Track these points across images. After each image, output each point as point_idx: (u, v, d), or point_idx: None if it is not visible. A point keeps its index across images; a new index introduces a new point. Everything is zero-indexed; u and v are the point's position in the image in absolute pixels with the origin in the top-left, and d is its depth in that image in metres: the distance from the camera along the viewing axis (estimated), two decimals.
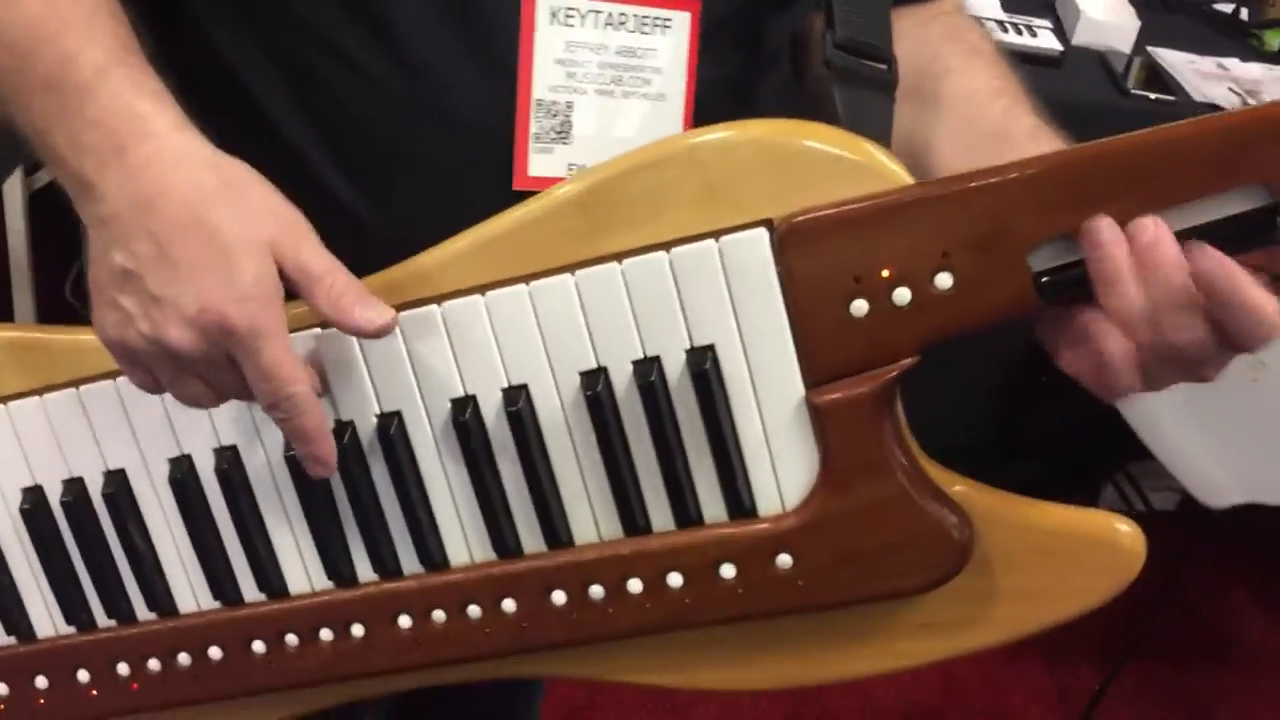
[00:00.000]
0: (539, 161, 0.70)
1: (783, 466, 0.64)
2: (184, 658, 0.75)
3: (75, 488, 0.73)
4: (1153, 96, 1.78)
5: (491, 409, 0.66)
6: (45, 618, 0.77)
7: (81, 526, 0.74)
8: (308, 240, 0.62)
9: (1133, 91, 1.78)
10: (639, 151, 0.64)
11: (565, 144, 0.70)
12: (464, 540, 0.69)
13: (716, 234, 0.62)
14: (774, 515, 0.65)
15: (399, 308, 0.64)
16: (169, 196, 0.60)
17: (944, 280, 0.60)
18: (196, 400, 0.64)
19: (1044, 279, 0.59)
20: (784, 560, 0.64)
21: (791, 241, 0.61)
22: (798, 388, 0.63)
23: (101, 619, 0.76)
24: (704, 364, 0.63)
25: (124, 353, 0.63)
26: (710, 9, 0.71)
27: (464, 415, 0.66)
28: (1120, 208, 0.57)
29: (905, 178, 0.61)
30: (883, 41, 0.70)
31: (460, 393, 0.67)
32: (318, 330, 0.66)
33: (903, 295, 0.60)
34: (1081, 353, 0.59)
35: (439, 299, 0.65)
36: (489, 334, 0.65)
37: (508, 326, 0.65)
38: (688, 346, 0.63)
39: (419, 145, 0.69)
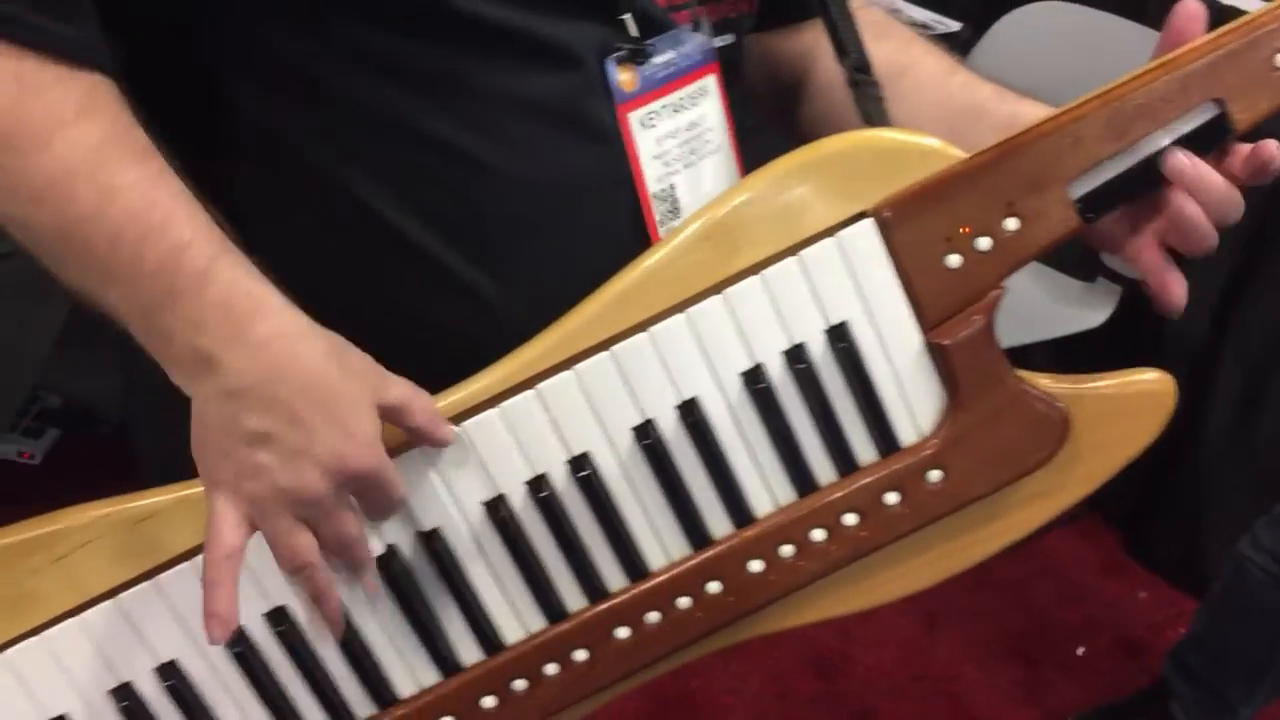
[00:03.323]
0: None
1: (915, 402, 0.79)
2: None
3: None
4: None
5: (669, 421, 0.77)
6: None
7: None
8: (388, 379, 0.72)
9: None
10: (743, 185, 0.77)
11: (676, 218, 0.83)
12: (660, 544, 0.80)
13: (830, 232, 0.76)
14: (917, 443, 0.80)
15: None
16: (296, 366, 0.69)
17: (1011, 224, 0.76)
18: (299, 553, 0.72)
19: (1080, 204, 0.77)
20: (935, 475, 0.79)
21: (892, 222, 0.76)
22: (917, 336, 0.78)
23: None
24: (844, 338, 0.77)
25: (250, 504, 0.71)
26: (723, 66, 0.85)
27: (647, 438, 0.77)
28: (1131, 137, 0.76)
29: (960, 154, 0.77)
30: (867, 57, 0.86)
31: (639, 419, 0.77)
32: None
33: (984, 243, 0.76)
34: (1149, 235, 0.79)
35: (611, 341, 0.76)
36: (658, 361, 0.76)
37: (671, 350, 0.76)
38: (825, 327, 0.77)
39: (550, 238, 0.79)
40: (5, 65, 0.66)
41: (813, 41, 0.97)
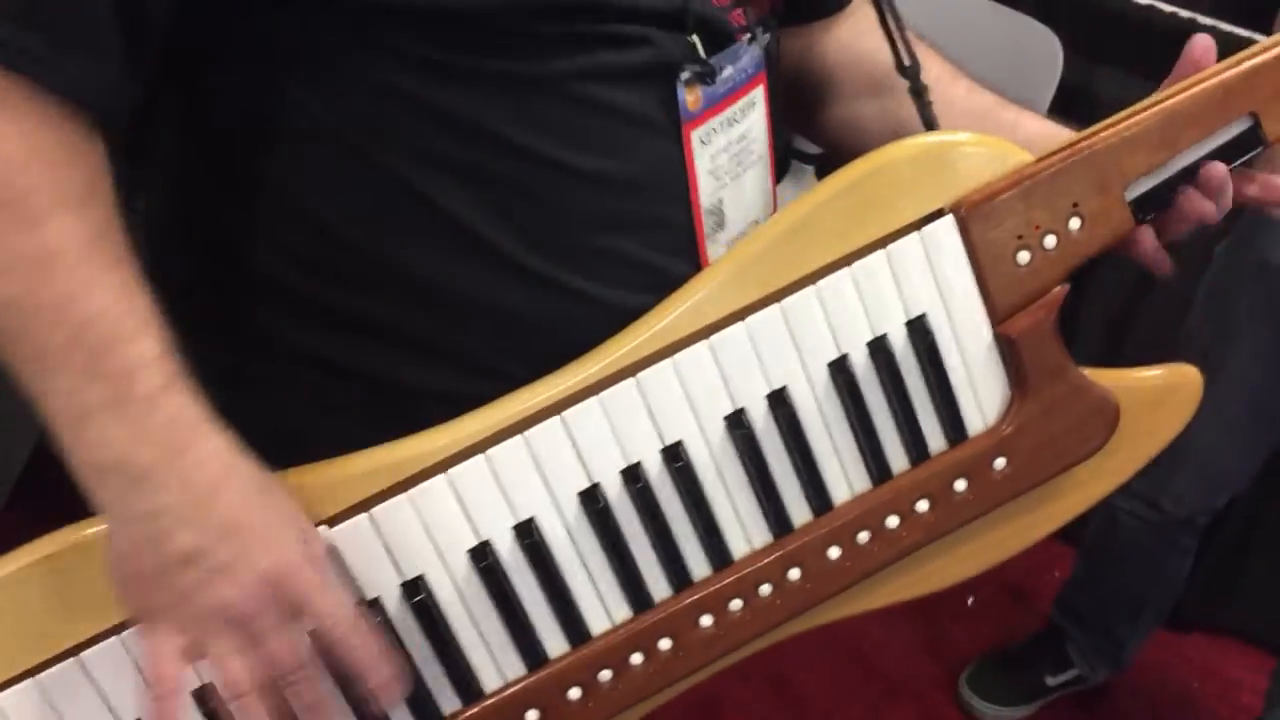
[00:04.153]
0: (711, 252, 0.83)
1: (982, 392, 0.83)
2: None
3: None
4: None
5: (760, 413, 0.79)
6: None
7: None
8: (308, 524, 0.73)
9: None
10: (827, 183, 0.80)
11: (723, 230, 0.84)
12: (743, 533, 0.81)
13: (914, 226, 0.80)
14: (984, 432, 0.83)
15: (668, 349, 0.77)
16: (230, 486, 0.70)
17: (1075, 224, 0.81)
18: (237, 680, 0.70)
19: (1133, 205, 0.83)
20: (1000, 463, 0.83)
21: (971, 219, 0.80)
22: (987, 328, 0.82)
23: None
24: (923, 330, 0.80)
25: (185, 630, 0.70)
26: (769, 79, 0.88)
27: (741, 425, 0.79)
28: (1180, 145, 0.82)
29: (1026, 156, 0.82)
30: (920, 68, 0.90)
31: (731, 408, 0.79)
32: None
33: (1050, 241, 0.81)
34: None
35: (705, 331, 0.78)
36: (752, 351, 0.78)
37: (764, 341, 0.79)
38: (906, 319, 0.81)
39: (628, 243, 0.80)
40: (21, 124, 0.64)
41: (820, 41, 0.99)
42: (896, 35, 0.88)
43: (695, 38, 0.79)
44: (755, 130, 0.87)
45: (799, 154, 2.06)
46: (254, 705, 0.70)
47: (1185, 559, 1.94)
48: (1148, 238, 0.86)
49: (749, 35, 0.85)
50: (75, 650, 0.73)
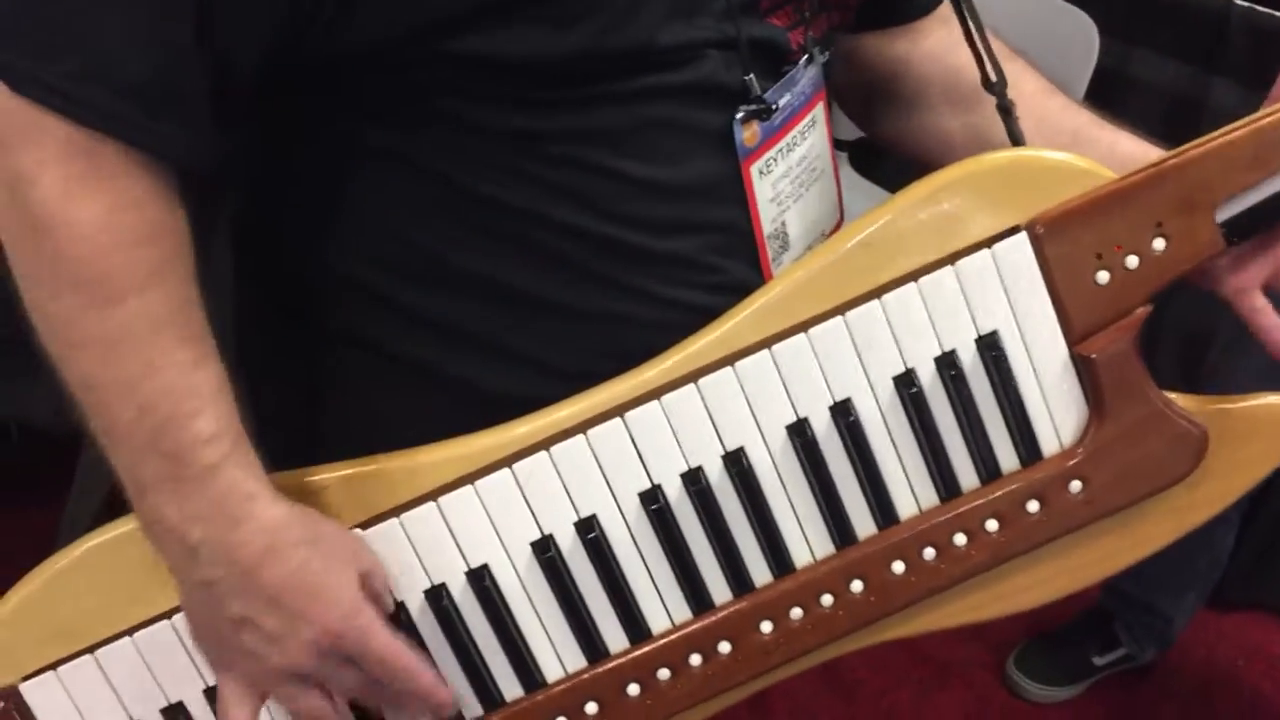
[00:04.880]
0: (776, 273, 0.85)
1: (1058, 413, 0.82)
2: None
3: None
4: None
5: (822, 423, 0.80)
6: None
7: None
8: (362, 544, 0.78)
9: None
10: (902, 196, 0.80)
11: (786, 250, 0.86)
12: (805, 541, 0.82)
13: (986, 243, 0.79)
14: (1059, 453, 0.82)
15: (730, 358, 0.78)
16: (279, 553, 0.73)
17: (1159, 244, 0.79)
18: (319, 713, 0.77)
19: (1224, 227, 0.80)
20: (1075, 486, 0.82)
21: (1046, 237, 0.79)
22: (1063, 348, 0.81)
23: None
24: (994, 347, 0.80)
25: (250, 681, 0.77)
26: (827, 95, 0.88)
27: (803, 434, 0.80)
28: (1274, 166, 0.79)
29: (1110, 174, 0.80)
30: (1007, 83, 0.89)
31: (793, 417, 0.80)
32: None
33: (1132, 261, 0.79)
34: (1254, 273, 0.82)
35: (766, 343, 0.79)
36: (815, 361, 0.79)
37: (828, 352, 0.79)
38: (976, 336, 0.80)
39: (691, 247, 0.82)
40: (109, 193, 0.66)
41: (905, 50, 0.99)
42: (983, 49, 0.88)
43: (752, 75, 0.79)
44: (817, 148, 0.88)
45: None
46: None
47: (1229, 533, 1.89)
48: (1249, 297, 0.83)
49: (807, 57, 0.85)
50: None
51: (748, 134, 0.82)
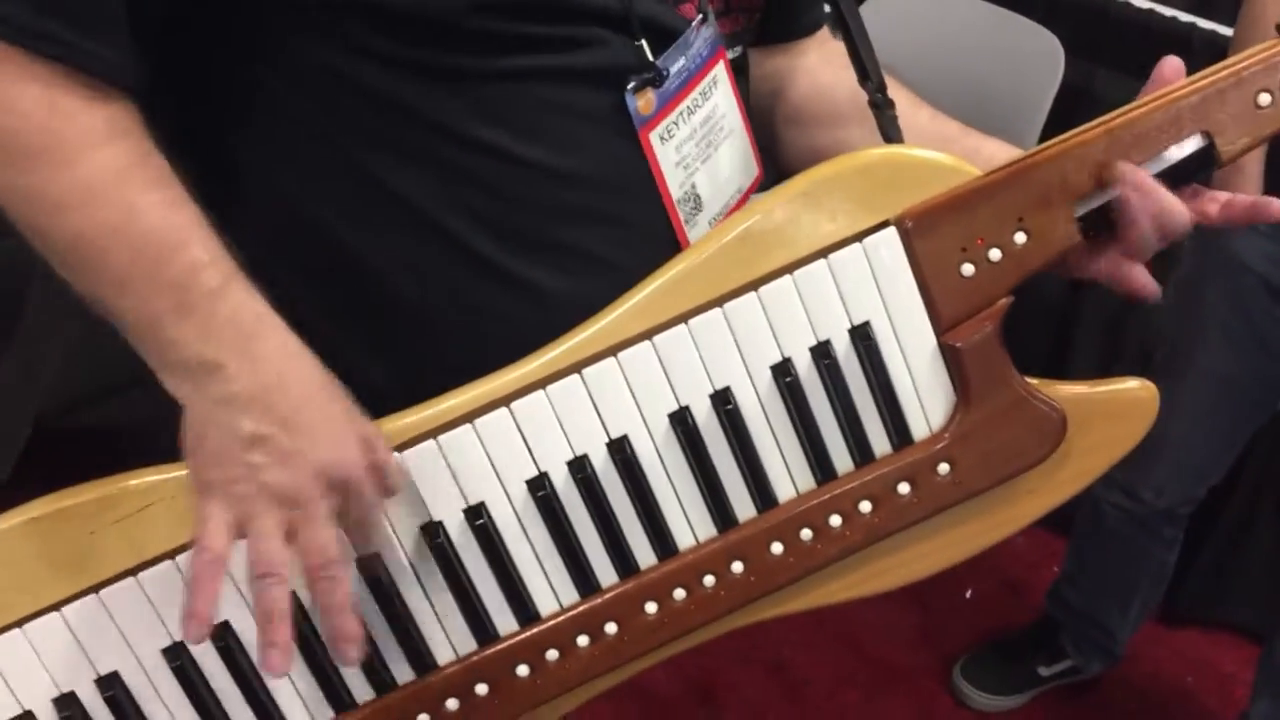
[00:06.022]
0: (693, 235, 0.88)
1: (927, 399, 0.86)
2: (452, 703, 0.84)
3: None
4: None
5: (703, 411, 0.83)
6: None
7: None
8: (362, 417, 0.79)
9: None
10: (775, 194, 0.83)
11: (700, 211, 0.88)
12: (688, 524, 0.85)
13: (858, 237, 0.83)
14: (928, 437, 0.86)
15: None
16: (295, 378, 0.76)
17: (1020, 238, 0.84)
18: (275, 557, 0.75)
19: (1080, 222, 0.85)
20: (944, 468, 0.86)
21: (915, 232, 0.83)
22: (931, 337, 0.85)
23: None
24: (866, 337, 0.83)
25: (238, 507, 0.75)
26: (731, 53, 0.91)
27: (684, 422, 0.83)
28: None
29: (976, 172, 0.84)
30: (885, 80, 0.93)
31: (674, 406, 0.83)
32: None
33: (995, 254, 0.84)
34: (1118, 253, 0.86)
35: (648, 334, 0.82)
36: (694, 352, 0.82)
37: (708, 342, 0.82)
38: (849, 326, 0.84)
39: (587, 238, 0.84)
40: (36, 86, 0.71)
41: (787, 66, 1.03)
42: (864, 51, 0.91)
43: (643, 41, 0.82)
44: (722, 106, 0.91)
45: None
46: (278, 589, 0.74)
47: (1170, 550, 1.95)
48: (1111, 265, 0.88)
49: (700, 17, 0.87)
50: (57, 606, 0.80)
51: (642, 102, 0.84)
